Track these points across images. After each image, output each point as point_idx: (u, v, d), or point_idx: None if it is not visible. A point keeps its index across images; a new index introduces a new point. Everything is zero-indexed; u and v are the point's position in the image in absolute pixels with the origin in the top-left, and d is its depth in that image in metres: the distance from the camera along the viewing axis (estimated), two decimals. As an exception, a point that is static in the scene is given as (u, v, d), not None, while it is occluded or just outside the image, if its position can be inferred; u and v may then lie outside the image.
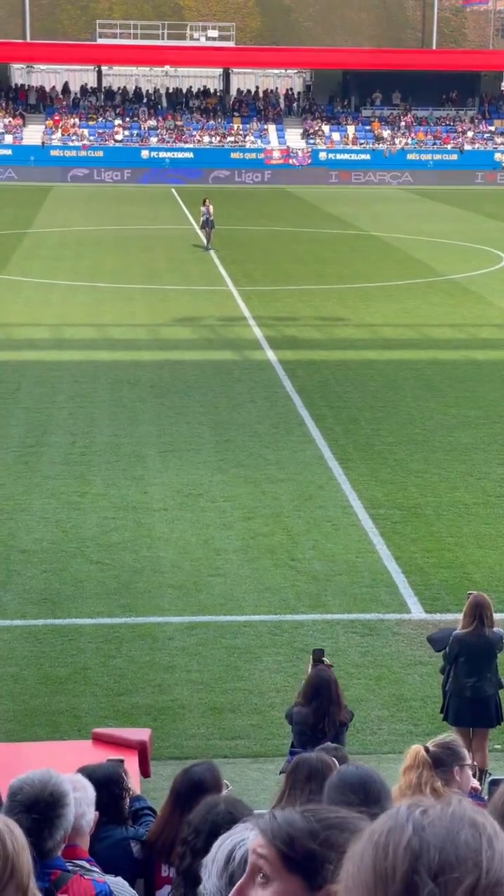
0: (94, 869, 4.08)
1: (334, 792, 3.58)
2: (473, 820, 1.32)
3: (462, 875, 1.27)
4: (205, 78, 70.91)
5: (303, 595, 11.45)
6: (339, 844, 1.60)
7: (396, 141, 64.98)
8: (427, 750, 4.72)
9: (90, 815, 4.22)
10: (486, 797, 5.40)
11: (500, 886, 1.27)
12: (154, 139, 63.78)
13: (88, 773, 4.69)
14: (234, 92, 69.37)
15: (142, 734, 6.45)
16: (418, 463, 15.46)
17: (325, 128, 65.86)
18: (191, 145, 63.48)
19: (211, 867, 2.82)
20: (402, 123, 66.58)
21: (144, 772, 6.24)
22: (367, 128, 66.15)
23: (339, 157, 63.49)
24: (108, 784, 4.93)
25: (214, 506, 13.77)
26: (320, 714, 7.22)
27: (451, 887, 1.27)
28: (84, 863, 4.03)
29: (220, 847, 2.76)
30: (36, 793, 3.78)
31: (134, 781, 5.62)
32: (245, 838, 2.70)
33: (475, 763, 7.40)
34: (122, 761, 5.40)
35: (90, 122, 64.61)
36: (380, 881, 1.30)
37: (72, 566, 12.03)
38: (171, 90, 70.08)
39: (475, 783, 5.42)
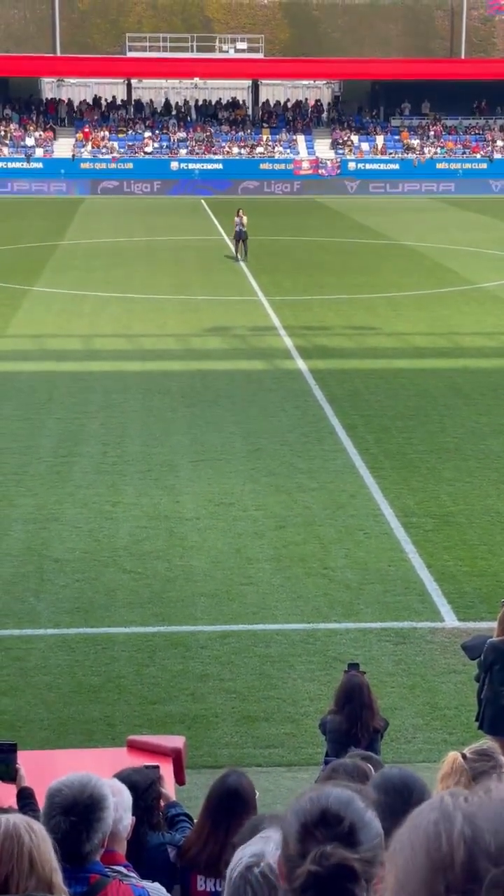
0: (132, 874, 4.08)
1: (377, 793, 3.55)
2: None
3: None
4: (234, 90, 71.13)
5: (335, 604, 11.42)
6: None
7: (426, 150, 64.91)
8: (464, 756, 4.69)
9: (127, 821, 4.21)
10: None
11: None
12: (183, 151, 64.03)
13: (123, 778, 4.70)
14: (262, 103, 69.54)
15: (176, 741, 6.44)
16: (450, 471, 15.40)
17: (354, 138, 65.88)
18: (220, 156, 63.68)
19: (227, 879, 2.82)
20: (432, 133, 66.52)
21: (179, 779, 6.23)
22: (397, 137, 66.13)
23: (368, 166, 63.48)
24: (140, 789, 4.92)
25: (246, 515, 13.77)
26: (352, 719, 7.18)
27: None
28: (122, 868, 4.02)
29: (232, 862, 2.76)
30: (74, 795, 3.78)
31: (169, 789, 5.61)
32: (251, 853, 2.69)
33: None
34: (157, 767, 5.40)
35: (120, 135, 64.96)
36: (438, 871, 1.30)
37: (105, 575, 12.06)
38: (200, 102, 70.35)
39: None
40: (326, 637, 10.74)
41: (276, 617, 11.14)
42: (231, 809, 4.89)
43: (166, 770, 5.85)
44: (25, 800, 4.91)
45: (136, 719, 9.23)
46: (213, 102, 70.45)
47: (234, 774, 5.09)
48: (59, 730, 9.12)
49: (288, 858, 1.94)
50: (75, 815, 3.76)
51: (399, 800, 3.50)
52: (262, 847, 2.63)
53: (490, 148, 65.29)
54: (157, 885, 4.20)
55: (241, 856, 2.68)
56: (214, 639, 10.71)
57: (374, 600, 11.50)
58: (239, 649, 10.48)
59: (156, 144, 64.44)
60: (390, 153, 64.87)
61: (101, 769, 4.64)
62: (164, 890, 4.27)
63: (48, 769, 6.27)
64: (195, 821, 5.32)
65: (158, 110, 68.96)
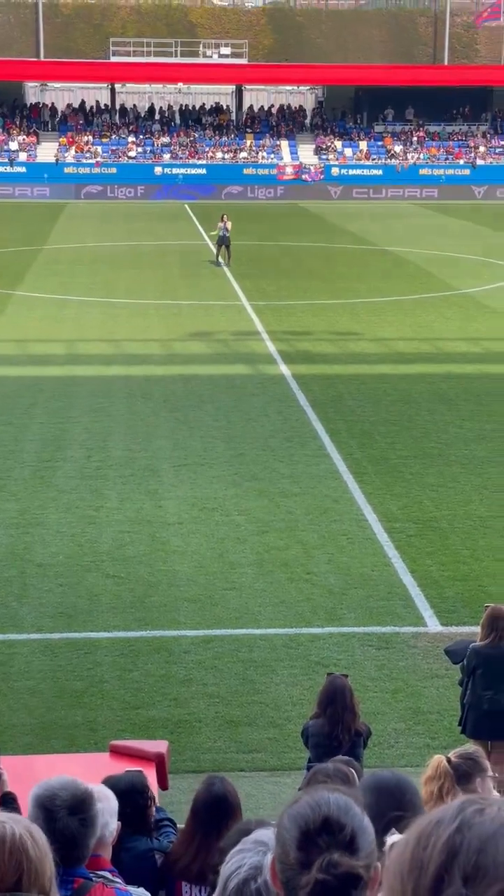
0: (117, 880, 4.07)
1: (369, 795, 3.56)
2: None
3: (493, 881, 1.25)
4: (218, 95, 71.16)
5: (318, 608, 11.43)
6: None
7: (409, 156, 65.08)
8: (449, 760, 4.70)
9: (113, 826, 4.21)
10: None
11: None
12: (167, 156, 64.03)
13: (112, 783, 4.69)
14: (246, 108, 69.61)
15: (159, 746, 6.45)
16: (433, 476, 15.43)
17: (338, 143, 66.01)
18: (204, 161, 63.70)
19: (219, 885, 2.81)
20: (415, 139, 66.71)
21: (162, 784, 6.23)
22: (380, 143, 66.28)
23: (351, 172, 63.61)
24: (131, 794, 4.91)
25: (229, 520, 13.77)
26: (334, 721, 7.19)
27: (479, 892, 1.25)
28: (107, 873, 4.02)
29: (227, 864, 2.76)
30: (74, 794, 3.78)
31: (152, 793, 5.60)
32: (243, 865, 2.69)
33: (496, 775, 7.36)
34: (140, 772, 5.39)
35: (104, 140, 64.90)
36: (414, 870, 1.29)
37: (87, 580, 12.05)
38: (184, 107, 70.37)
39: (497, 796, 5.38)
40: (309, 642, 10.75)
41: (259, 622, 11.14)
42: (219, 818, 4.89)
43: (149, 775, 5.85)
44: (8, 805, 4.89)
45: (118, 724, 9.22)
46: (197, 107, 70.49)
47: (218, 782, 5.08)
48: (42, 735, 9.10)
49: (287, 865, 1.94)
50: (81, 813, 3.77)
51: (391, 801, 3.51)
52: (261, 859, 2.62)
53: (473, 154, 65.52)
54: (141, 890, 4.20)
55: (240, 865, 2.67)
56: (197, 643, 10.71)
57: (357, 605, 11.52)
58: (222, 654, 10.48)
59: (139, 149, 64.42)
60: (373, 159, 65.02)
61: (84, 774, 4.63)
62: (149, 895, 4.26)
63: (31, 774, 6.26)
64: (179, 827, 5.31)
65: (142, 115, 68.95)
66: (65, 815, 3.74)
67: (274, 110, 70.28)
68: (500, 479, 15.38)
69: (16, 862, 2.02)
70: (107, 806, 4.19)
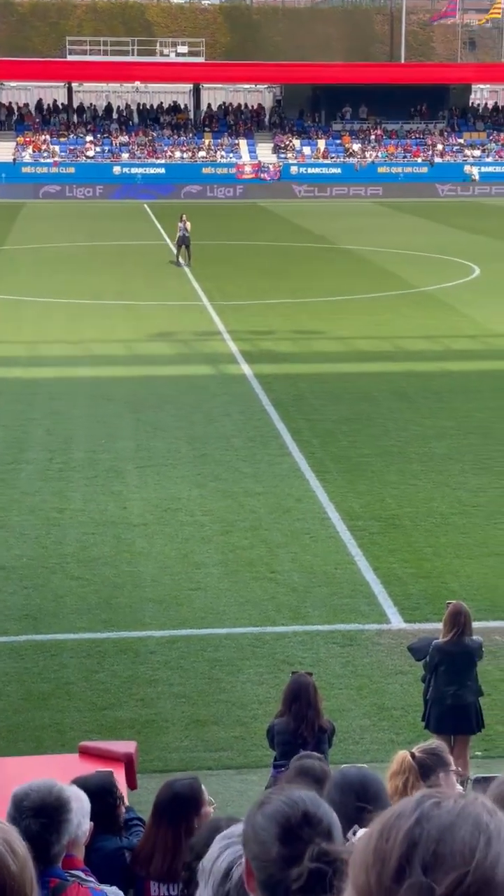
0: (91, 879, 4.14)
1: (336, 791, 3.66)
2: (479, 819, 1.36)
3: (450, 869, 1.33)
4: (175, 93, 71.12)
5: (283, 607, 11.52)
6: None
7: (367, 154, 65.37)
8: (413, 755, 4.80)
9: (86, 826, 4.28)
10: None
11: (488, 885, 1.32)
12: (125, 155, 63.92)
13: (81, 783, 4.75)
14: (204, 107, 69.63)
15: (128, 746, 6.51)
16: (395, 474, 15.57)
17: (296, 142, 66.18)
18: (162, 161, 63.67)
19: (208, 877, 2.87)
20: (373, 137, 67.00)
21: (131, 784, 6.29)
22: (338, 142, 66.53)
23: (310, 170, 63.82)
24: (101, 794, 4.98)
25: (193, 520, 13.83)
26: (299, 717, 7.29)
27: (438, 880, 1.33)
28: (80, 872, 4.09)
29: (219, 857, 2.81)
30: (42, 797, 3.85)
31: (122, 793, 5.67)
32: (239, 855, 2.76)
33: (459, 769, 7.49)
34: (110, 773, 5.45)
35: (61, 139, 64.69)
36: (377, 861, 1.37)
37: (52, 582, 12.07)
38: (141, 106, 70.25)
39: (460, 789, 5.49)
40: (274, 640, 10.83)
41: (224, 621, 11.21)
42: (178, 814, 4.96)
43: (118, 775, 5.91)
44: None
45: (86, 725, 9.26)
46: (155, 106, 70.40)
47: (184, 780, 5.16)
48: (9, 737, 9.13)
49: (267, 863, 2.01)
50: (45, 817, 3.84)
51: (353, 798, 3.61)
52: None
53: (431, 152, 65.91)
54: (114, 888, 4.27)
55: (236, 855, 2.74)
56: (163, 644, 10.76)
57: (321, 603, 11.62)
58: (188, 654, 10.55)
59: (98, 149, 64.26)
60: (332, 157, 65.26)
61: (53, 775, 4.69)
62: (121, 893, 4.33)
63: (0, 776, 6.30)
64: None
65: (100, 114, 68.77)
66: (28, 817, 3.82)
67: (232, 109, 70.33)
68: (460, 476, 15.54)
69: None
70: (80, 806, 4.27)
